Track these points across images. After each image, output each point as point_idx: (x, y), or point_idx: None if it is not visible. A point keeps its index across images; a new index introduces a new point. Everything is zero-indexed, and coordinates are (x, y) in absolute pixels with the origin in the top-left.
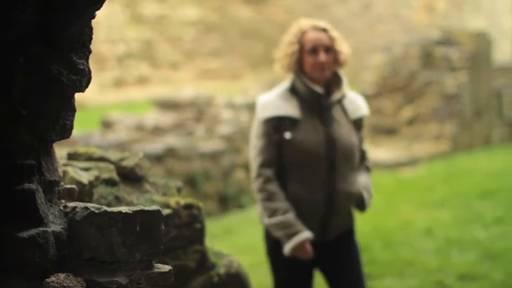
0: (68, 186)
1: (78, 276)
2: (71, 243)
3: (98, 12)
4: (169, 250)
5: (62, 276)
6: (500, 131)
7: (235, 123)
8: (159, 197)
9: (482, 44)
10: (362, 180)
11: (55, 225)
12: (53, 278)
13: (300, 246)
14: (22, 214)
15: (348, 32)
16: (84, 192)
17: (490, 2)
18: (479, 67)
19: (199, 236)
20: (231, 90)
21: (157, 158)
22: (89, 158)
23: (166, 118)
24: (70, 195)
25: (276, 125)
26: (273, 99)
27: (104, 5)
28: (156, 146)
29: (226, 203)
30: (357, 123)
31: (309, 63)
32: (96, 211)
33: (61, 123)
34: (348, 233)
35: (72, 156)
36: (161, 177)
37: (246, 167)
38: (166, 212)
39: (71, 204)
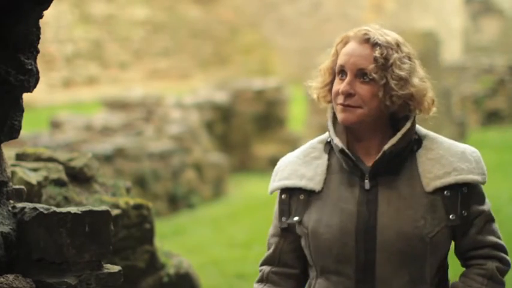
0: (17, 186)
1: (27, 277)
2: (19, 244)
3: (45, 12)
4: (118, 250)
5: (10, 277)
6: (449, 131)
7: (184, 123)
8: (108, 197)
9: (430, 44)
10: None
11: (3, 226)
12: (1, 279)
13: None
14: None
15: (297, 32)
16: (32, 192)
17: (439, 2)
18: (428, 67)
19: (148, 236)
20: (180, 90)
21: (106, 158)
22: (38, 158)
23: (115, 118)
24: (18, 195)
25: (286, 201)
26: (292, 159)
27: (52, 4)
28: (105, 146)
29: (176, 203)
30: (443, 198)
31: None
32: (45, 212)
33: (9, 123)
34: None
35: (20, 157)
36: (110, 177)
37: (196, 166)
38: (115, 212)
39: (20, 205)
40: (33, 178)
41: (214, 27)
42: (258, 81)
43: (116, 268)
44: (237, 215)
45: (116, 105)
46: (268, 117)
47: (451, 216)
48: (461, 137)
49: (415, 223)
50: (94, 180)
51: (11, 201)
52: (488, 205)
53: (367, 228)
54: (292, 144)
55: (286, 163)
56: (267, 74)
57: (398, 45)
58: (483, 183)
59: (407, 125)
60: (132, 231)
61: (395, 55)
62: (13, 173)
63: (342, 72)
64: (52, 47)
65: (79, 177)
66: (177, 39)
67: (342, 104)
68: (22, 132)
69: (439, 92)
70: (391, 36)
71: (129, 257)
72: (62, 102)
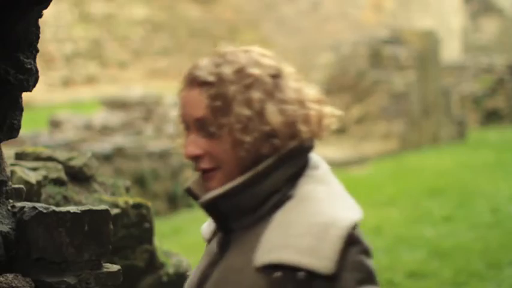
0: (16, 186)
1: (26, 276)
2: (19, 243)
3: (45, 11)
4: (117, 250)
5: (10, 276)
6: (448, 130)
7: None
8: (107, 196)
9: (430, 43)
10: None
11: (3, 226)
12: (1, 279)
13: None
14: None
15: (297, 31)
16: (32, 192)
17: (438, 1)
18: (427, 66)
19: (148, 235)
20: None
21: (106, 158)
22: (37, 157)
23: (114, 117)
24: (18, 195)
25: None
26: None
27: (52, 4)
28: (105, 145)
29: (175, 202)
30: (271, 281)
31: None
32: (44, 211)
33: (8, 122)
34: None
35: (19, 156)
36: (110, 176)
37: None
38: (114, 211)
39: (19, 204)
40: (33, 177)
41: (214, 26)
42: None
43: (115, 267)
44: None
45: (116, 104)
46: None
47: None
48: (460, 136)
49: None
50: (93, 180)
51: (11, 201)
52: None
53: None
54: None
55: None
56: None
57: (239, 71)
58: (319, 272)
59: (239, 179)
60: (132, 231)
61: (233, 88)
62: (12, 172)
63: (188, 128)
64: (51, 46)
65: (78, 176)
66: (177, 38)
67: (197, 171)
68: (21, 131)
69: (438, 91)
70: (234, 62)
71: (128, 256)
72: (61, 102)
